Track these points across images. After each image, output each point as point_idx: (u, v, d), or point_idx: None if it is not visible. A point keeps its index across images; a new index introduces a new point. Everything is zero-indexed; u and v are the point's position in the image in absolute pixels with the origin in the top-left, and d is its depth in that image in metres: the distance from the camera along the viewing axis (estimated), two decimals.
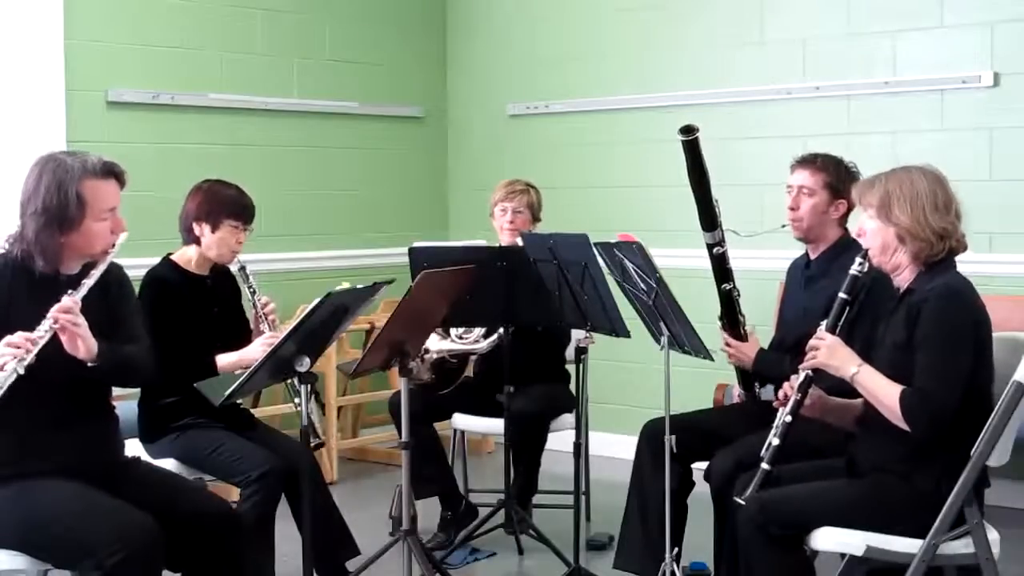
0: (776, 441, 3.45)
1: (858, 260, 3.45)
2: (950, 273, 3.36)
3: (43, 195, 3.25)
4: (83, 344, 3.18)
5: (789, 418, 3.45)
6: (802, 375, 3.46)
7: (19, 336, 3.12)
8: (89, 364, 3.21)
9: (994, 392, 3.31)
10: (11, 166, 5.44)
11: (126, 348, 3.38)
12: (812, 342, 3.44)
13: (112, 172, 3.36)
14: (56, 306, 3.16)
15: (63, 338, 3.16)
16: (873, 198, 3.39)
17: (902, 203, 3.33)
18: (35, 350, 3.12)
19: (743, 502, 3.41)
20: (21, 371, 3.09)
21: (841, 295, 3.46)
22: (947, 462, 3.25)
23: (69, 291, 3.21)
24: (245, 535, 3.54)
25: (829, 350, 3.39)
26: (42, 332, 3.14)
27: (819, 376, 3.47)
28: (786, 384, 3.53)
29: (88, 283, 3.26)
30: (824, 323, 3.46)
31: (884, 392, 3.27)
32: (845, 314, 3.46)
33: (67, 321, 3.15)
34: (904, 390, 3.23)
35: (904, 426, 3.22)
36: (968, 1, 5.57)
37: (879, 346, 3.44)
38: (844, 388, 3.48)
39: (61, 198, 3.24)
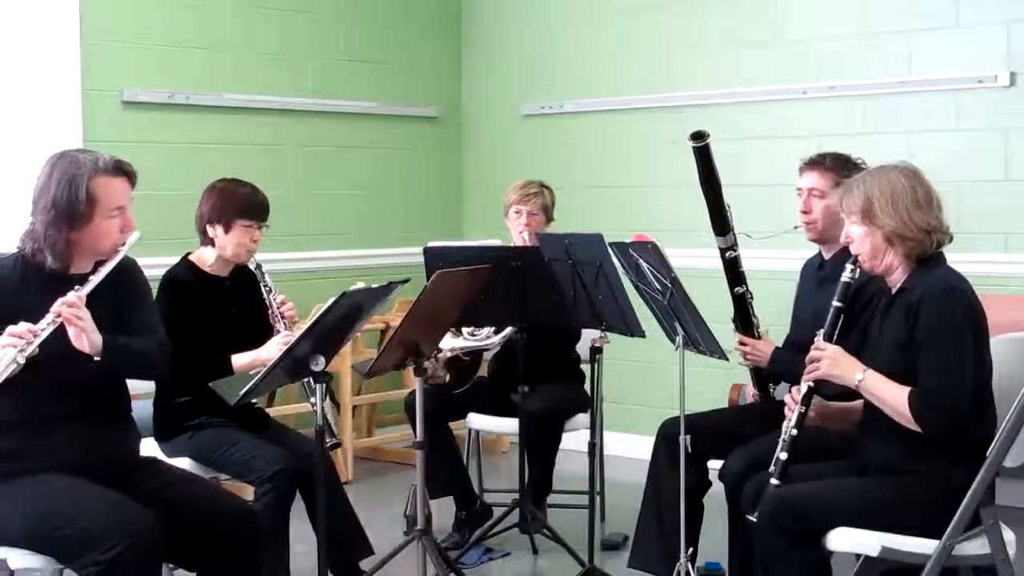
0: (784, 456, 3.44)
1: (848, 267, 3.44)
2: (943, 268, 3.35)
3: (53, 191, 3.26)
4: (87, 338, 3.18)
5: (795, 431, 3.44)
6: (804, 388, 3.45)
7: (22, 326, 3.13)
8: (95, 358, 3.22)
9: (995, 386, 3.30)
10: (28, 166, 5.48)
11: (133, 341, 3.36)
12: (812, 354, 3.42)
13: (123, 170, 3.35)
14: (60, 300, 3.17)
15: (70, 332, 3.17)
16: (854, 204, 3.37)
17: (884, 205, 3.31)
18: (36, 341, 3.12)
19: (755, 519, 3.41)
20: (21, 361, 3.09)
21: (835, 303, 3.45)
22: (953, 455, 3.23)
23: (76, 287, 3.21)
24: (263, 533, 3.54)
25: (831, 360, 3.37)
26: (45, 324, 3.15)
27: (820, 384, 3.45)
28: (787, 397, 3.53)
29: (95, 279, 3.27)
30: (820, 332, 3.45)
31: (891, 396, 3.26)
32: (840, 321, 3.44)
33: (70, 315, 3.15)
34: (912, 391, 3.21)
35: (915, 427, 3.21)
36: (984, 1, 5.55)
37: (877, 345, 3.43)
38: (844, 392, 3.47)
39: (71, 194, 3.24)
